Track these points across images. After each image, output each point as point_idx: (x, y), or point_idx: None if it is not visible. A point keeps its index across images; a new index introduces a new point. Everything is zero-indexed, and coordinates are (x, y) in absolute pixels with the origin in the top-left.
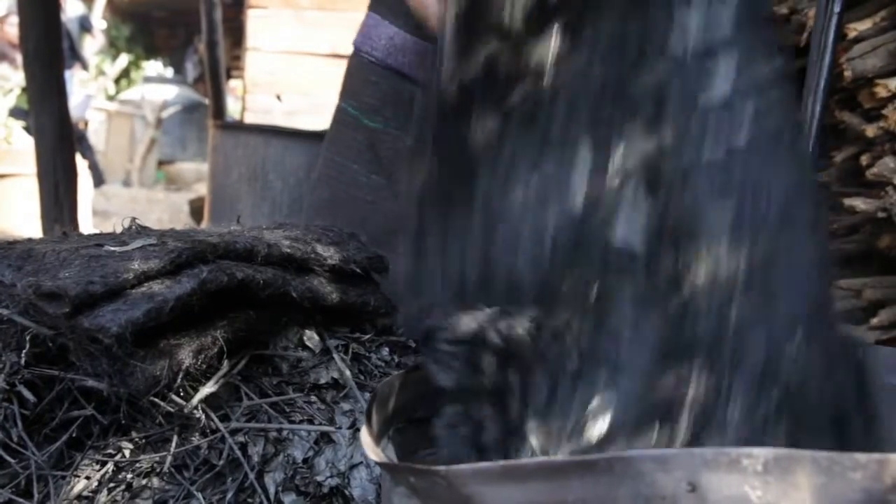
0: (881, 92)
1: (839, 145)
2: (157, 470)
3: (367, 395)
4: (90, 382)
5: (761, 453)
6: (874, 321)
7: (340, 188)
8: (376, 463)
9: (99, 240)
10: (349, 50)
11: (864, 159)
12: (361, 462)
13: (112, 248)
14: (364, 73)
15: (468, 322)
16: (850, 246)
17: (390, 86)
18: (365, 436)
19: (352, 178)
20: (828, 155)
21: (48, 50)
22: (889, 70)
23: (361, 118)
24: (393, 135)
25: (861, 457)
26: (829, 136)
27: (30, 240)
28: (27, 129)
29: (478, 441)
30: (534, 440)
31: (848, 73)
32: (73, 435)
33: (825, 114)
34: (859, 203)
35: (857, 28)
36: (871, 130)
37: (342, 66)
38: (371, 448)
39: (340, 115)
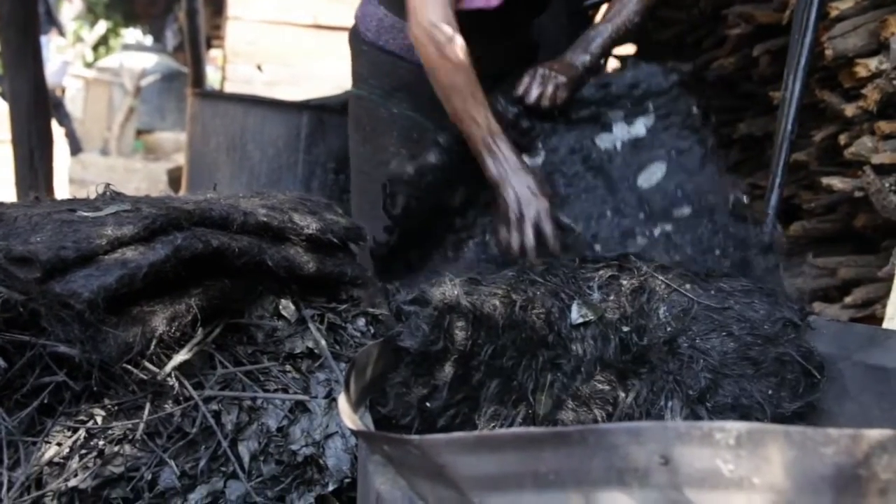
0: (861, 71)
1: (818, 124)
2: (130, 437)
3: (343, 364)
4: (62, 348)
5: (734, 427)
6: (848, 300)
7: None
8: (352, 432)
9: (72, 205)
10: (331, 20)
11: (842, 139)
12: (337, 432)
13: (85, 214)
14: (357, 43)
15: (440, 289)
16: (827, 225)
17: (377, 57)
18: (343, 404)
19: (352, 149)
20: (807, 134)
21: (23, 15)
22: (869, 50)
23: (352, 89)
24: (376, 102)
25: (833, 432)
26: (809, 114)
27: (1, 204)
28: (2, 95)
29: (426, 403)
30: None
31: (829, 52)
32: (45, 401)
33: (805, 92)
34: (837, 182)
35: (838, 7)
36: (850, 110)
37: (323, 36)
38: (348, 416)
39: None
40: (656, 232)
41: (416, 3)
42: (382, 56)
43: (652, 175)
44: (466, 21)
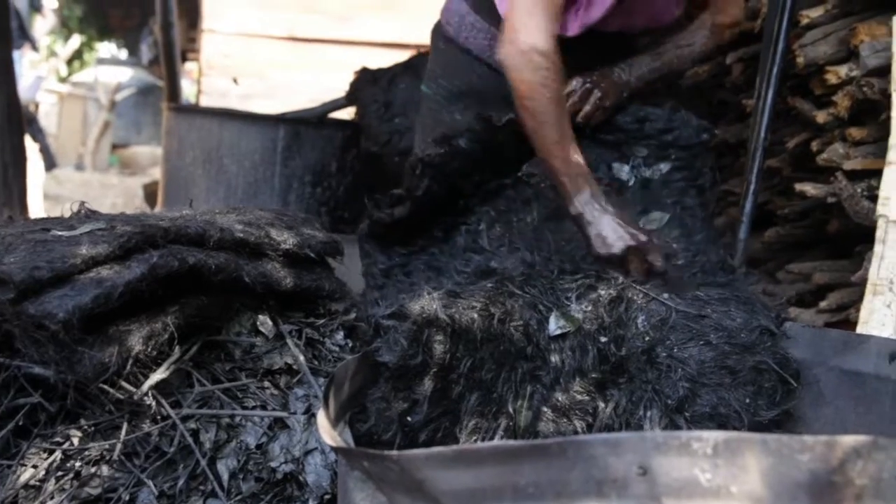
0: (832, 79)
1: (791, 131)
2: (107, 458)
3: (322, 379)
4: (37, 369)
5: (711, 436)
6: (823, 304)
7: None
8: (332, 448)
9: (46, 224)
10: (307, 33)
11: (814, 145)
12: (316, 448)
13: (59, 233)
14: (436, 39)
15: (419, 303)
16: (800, 231)
17: (454, 56)
18: (322, 419)
19: (416, 142)
20: (780, 141)
21: None
22: (839, 57)
23: (423, 85)
24: (440, 104)
25: (809, 439)
26: (781, 121)
27: None
28: None
29: (407, 418)
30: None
31: (800, 60)
32: (20, 423)
33: (777, 100)
34: (809, 188)
35: (809, 15)
36: (821, 116)
37: (299, 49)
38: (327, 432)
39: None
40: None
41: (515, 23)
42: (460, 56)
43: (652, 220)
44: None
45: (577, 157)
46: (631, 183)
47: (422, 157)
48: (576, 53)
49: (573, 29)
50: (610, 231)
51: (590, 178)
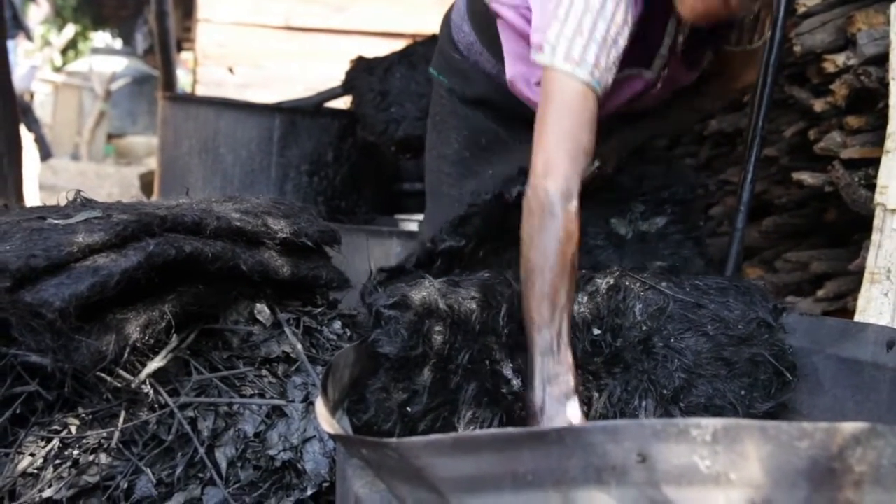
0: (829, 67)
1: (788, 120)
2: (105, 446)
3: (320, 368)
4: (34, 358)
5: (710, 423)
6: (820, 293)
7: None
8: (330, 436)
9: (42, 213)
10: (303, 22)
11: (811, 134)
12: (314, 436)
13: (55, 221)
14: (449, 48)
15: (421, 293)
16: (798, 220)
17: (467, 70)
18: (320, 407)
19: (428, 127)
20: (777, 130)
21: None
22: (837, 46)
23: (434, 71)
24: (455, 96)
25: (808, 426)
26: (779, 110)
27: None
28: None
29: (406, 408)
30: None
31: (797, 48)
32: (17, 411)
33: (774, 88)
34: (807, 177)
35: (806, 3)
36: (818, 105)
37: (295, 37)
38: (326, 420)
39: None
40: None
41: (544, 161)
42: (473, 71)
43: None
44: None
45: (564, 339)
46: (629, 237)
47: (441, 249)
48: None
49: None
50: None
51: (561, 365)
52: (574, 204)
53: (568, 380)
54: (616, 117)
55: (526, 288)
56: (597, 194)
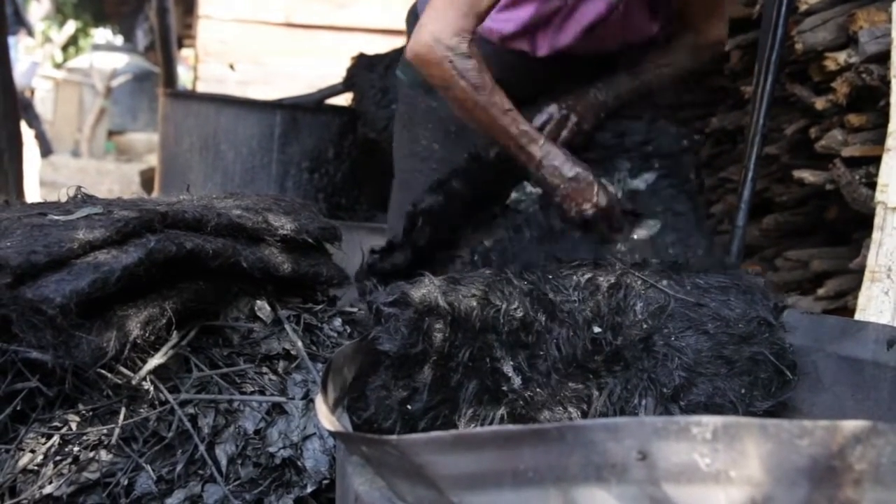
0: (830, 65)
1: (789, 118)
2: (105, 442)
3: (320, 365)
4: (34, 354)
5: (710, 421)
6: (821, 291)
7: None
8: (330, 433)
9: (42, 209)
10: (304, 19)
11: (812, 132)
12: (314, 433)
13: (56, 218)
14: (411, 27)
15: (421, 290)
16: (798, 218)
17: None
18: (320, 405)
19: (394, 132)
20: (778, 128)
21: None
22: (838, 43)
23: (398, 71)
24: (416, 91)
25: (808, 424)
26: (780, 108)
27: None
28: None
29: (407, 406)
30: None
31: (799, 46)
32: (18, 408)
33: (776, 86)
34: (808, 175)
35: (807, 1)
36: (820, 103)
37: (296, 34)
38: (326, 417)
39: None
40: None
41: (424, 19)
42: None
43: (646, 229)
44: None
45: (524, 126)
46: (619, 196)
47: (421, 208)
48: (549, 73)
49: (543, 49)
50: (574, 165)
51: (545, 138)
52: (464, 47)
53: (548, 141)
54: (583, 75)
55: (468, 118)
56: (578, 155)
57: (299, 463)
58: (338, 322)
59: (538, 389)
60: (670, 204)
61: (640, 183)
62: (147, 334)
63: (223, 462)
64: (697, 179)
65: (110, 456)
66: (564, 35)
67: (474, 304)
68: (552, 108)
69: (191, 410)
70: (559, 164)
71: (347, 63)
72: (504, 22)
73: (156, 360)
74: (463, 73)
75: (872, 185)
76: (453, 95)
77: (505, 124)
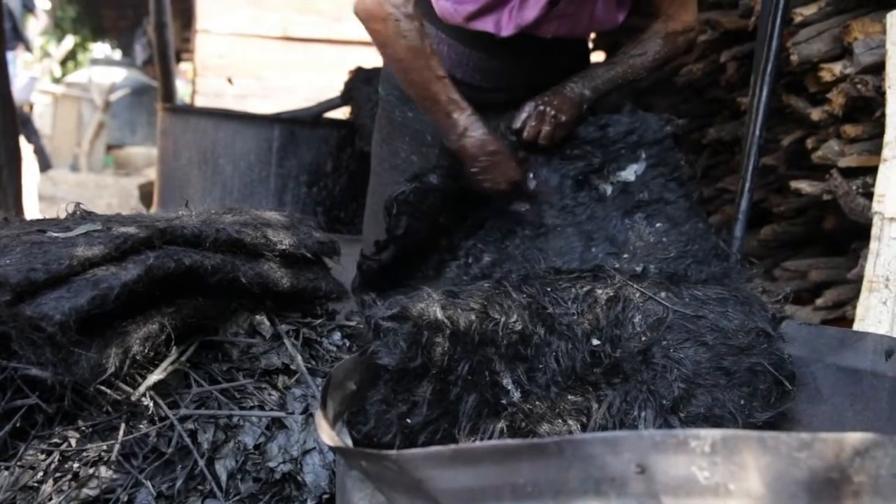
0: (826, 76)
1: (786, 129)
2: (105, 459)
3: (319, 379)
4: (34, 371)
5: (709, 434)
6: (819, 302)
7: None
8: (330, 448)
9: (42, 226)
10: (301, 33)
11: (809, 143)
12: (314, 448)
13: (55, 235)
14: None
15: (420, 305)
16: (796, 228)
17: None
18: (320, 419)
19: (373, 149)
20: (775, 139)
21: None
22: (833, 55)
23: (379, 88)
24: (392, 104)
25: (806, 436)
26: (776, 119)
27: None
28: None
29: (406, 420)
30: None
31: (794, 58)
32: (17, 424)
33: (772, 97)
34: (805, 186)
35: (802, 13)
36: (816, 114)
37: (294, 48)
38: (325, 432)
39: None
40: (639, 270)
41: None
42: None
43: (638, 220)
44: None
45: (454, 94)
46: (611, 191)
47: (396, 196)
48: (517, 57)
49: (508, 29)
50: (495, 140)
51: (472, 109)
52: (408, 9)
53: (482, 126)
54: (552, 62)
55: (401, 78)
56: (565, 154)
57: (299, 478)
58: (337, 336)
59: (537, 402)
60: (660, 193)
61: (629, 175)
62: (146, 350)
63: (223, 477)
64: (686, 166)
65: (110, 472)
66: (528, 12)
67: (473, 317)
68: (529, 106)
69: (190, 426)
70: (481, 136)
71: (345, 77)
72: (466, 2)
73: (155, 376)
74: (405, 32)
75: (869, 196)
76: (392, 54)
77: (436, 90)
